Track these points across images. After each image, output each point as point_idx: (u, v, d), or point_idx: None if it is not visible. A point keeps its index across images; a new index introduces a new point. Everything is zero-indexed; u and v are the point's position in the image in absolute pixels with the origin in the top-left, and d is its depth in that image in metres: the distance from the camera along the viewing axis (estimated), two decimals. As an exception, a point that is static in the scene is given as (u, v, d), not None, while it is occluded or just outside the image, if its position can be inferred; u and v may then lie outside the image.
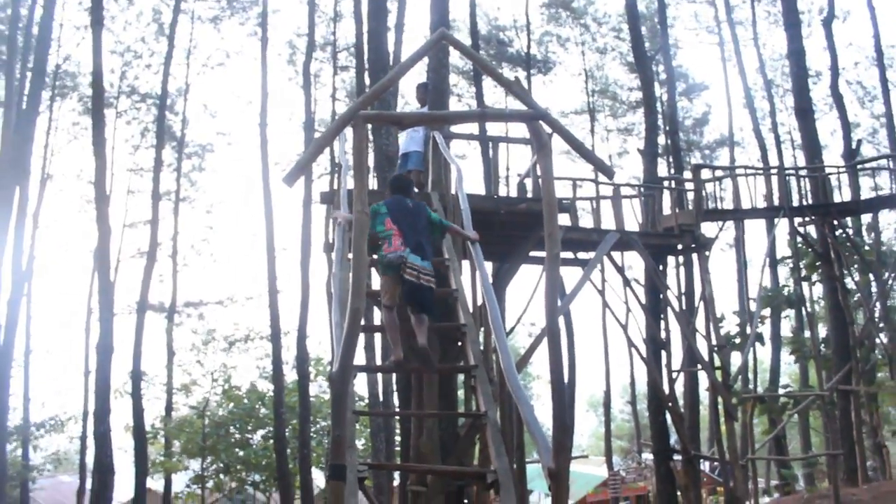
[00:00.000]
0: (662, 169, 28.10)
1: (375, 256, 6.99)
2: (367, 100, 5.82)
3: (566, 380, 24.65)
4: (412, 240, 6.74)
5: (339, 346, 5.53)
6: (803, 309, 21.00)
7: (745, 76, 28.09)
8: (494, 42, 36.91)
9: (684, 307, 17.12)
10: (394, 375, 16.57)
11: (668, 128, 26.79)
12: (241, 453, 25.50)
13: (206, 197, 34.50)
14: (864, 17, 29.66)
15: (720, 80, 33.01)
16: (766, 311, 20.95)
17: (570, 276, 20.23)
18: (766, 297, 20.48)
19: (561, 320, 13.32)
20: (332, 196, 9.89)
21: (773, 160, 29.57)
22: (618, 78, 40.81)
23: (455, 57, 34.72)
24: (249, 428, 26.43)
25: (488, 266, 12.54)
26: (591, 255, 13.25)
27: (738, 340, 18.64)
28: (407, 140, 10.89)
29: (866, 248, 18.62)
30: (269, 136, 24.78)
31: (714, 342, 14.25)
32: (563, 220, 13.32)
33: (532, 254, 12.71)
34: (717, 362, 14.46)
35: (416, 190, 9.65)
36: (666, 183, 16.63)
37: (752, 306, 19.35)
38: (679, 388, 24.24)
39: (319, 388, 26.92)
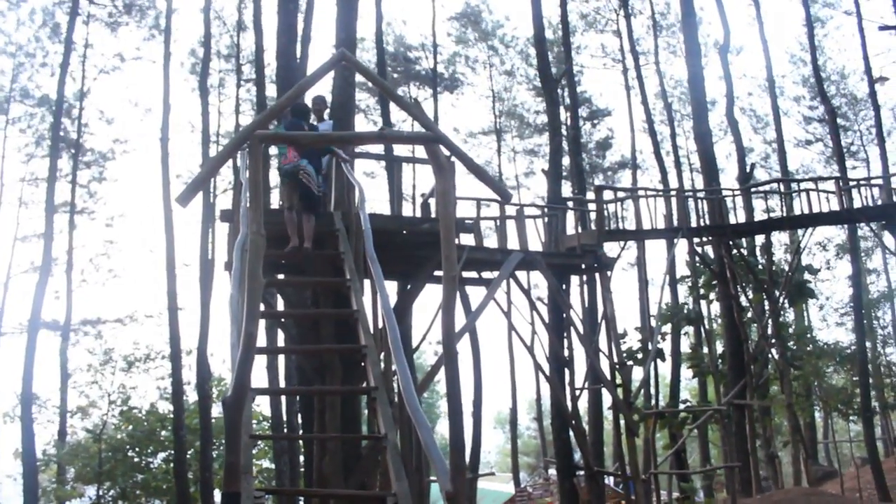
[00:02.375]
0: (567, 190, 28.72)
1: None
2: (265, 119, 5.69)
3: (473, 398, 24.70)
4: (304, 154, 8.66)
5: (234, 370, 5.38)
6: (702, 326, 21.71)
7: (647, 102, 28.96)
8: (402, 60, 37.00)
9: (587, 325, 17.46)
10: (297, 398, 16.29)
11: (571, 150, 27.32)
12: (141, 478, 24.50)
13: (106, 209, 33.18)
14: (756, 51, 31.07)
15: (623, 106, 33.85)
16: (666, 328, 21.60)
17: (476, 295, 20.38)
18: (665, 315, 21.12)
19: (467, 339, 13.36)
20: (232, 215, 9.66)
21: (674, 182, 30.59)
22: (525, 101, 41.57)
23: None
24: (149, 451, 25.43)
25: (393, 286, 12.49)
26: (496, 274, 13.33)
27: (640, 356, 19.15)
28: None
29: (759, 267, 19.37)
30: (171, 149, 24.05)
31: (615, 360, 14.52)
32: (468, 240, 13.41)
33: (436, 273, 12.72)
34: (619, 379, 14.71)
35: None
36: (570, 203, 16.90)
37: (654, 323, 19.93)
38: (584, 405, 24.72)
39: (222, 409, 26.04)
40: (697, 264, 19.39)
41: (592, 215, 16.42)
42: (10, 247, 29.36)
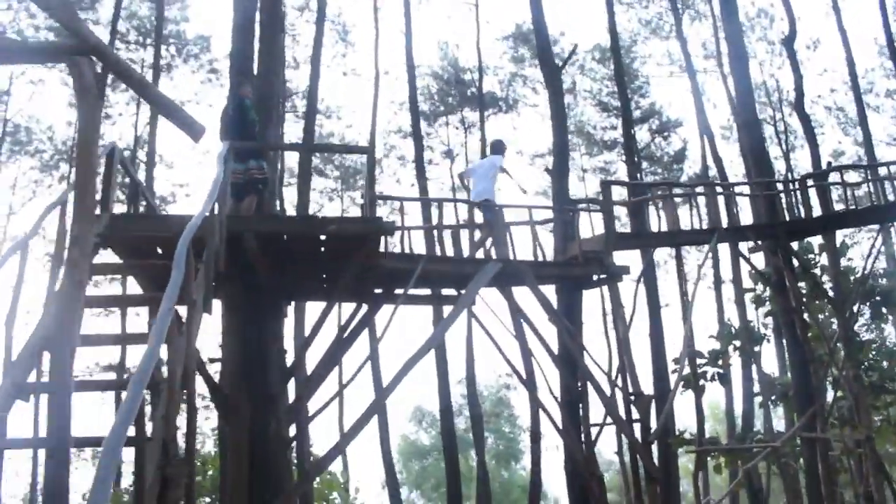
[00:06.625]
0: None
1: None
2: None
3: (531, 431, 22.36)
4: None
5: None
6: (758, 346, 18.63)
7: (703, 111, 26.41)
8: (454, 84, 35.96)
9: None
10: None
11: (628, 163, 24.77)
12: None
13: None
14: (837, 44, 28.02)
15: (691, 113, 31.31)
16: (730, 349, 18.69)
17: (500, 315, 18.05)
18: (727, 335, 18.24)
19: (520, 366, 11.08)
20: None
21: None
22: (590, 117, 39.40)
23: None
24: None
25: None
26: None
27: (701, 381, 16.67)
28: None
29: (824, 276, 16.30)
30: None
31: (630, 390, 11.92)
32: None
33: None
34: (636, 414, 12.05)
35: None
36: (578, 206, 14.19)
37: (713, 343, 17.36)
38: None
39: None
40: (751, 273, 16.50)
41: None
42: None
